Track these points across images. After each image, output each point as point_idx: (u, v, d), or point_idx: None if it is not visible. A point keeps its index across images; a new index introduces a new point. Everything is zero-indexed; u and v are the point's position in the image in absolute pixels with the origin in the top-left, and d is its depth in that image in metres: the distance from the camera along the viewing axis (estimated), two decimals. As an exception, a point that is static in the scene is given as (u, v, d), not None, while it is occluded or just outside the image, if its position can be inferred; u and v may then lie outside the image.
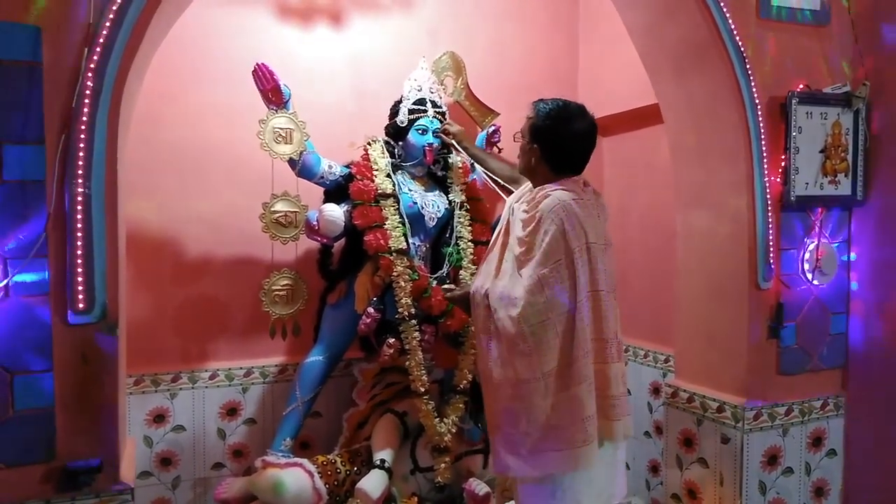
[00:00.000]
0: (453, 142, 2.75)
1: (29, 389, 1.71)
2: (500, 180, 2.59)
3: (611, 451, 1.89)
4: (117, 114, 1.78)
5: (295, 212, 2.56)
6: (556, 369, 1.80)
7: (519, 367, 1.81)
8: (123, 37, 1.76)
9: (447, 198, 2.82)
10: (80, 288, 1.72)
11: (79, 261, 1.72)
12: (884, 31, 2.54)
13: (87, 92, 1.72)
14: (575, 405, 1.79)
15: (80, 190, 1.72)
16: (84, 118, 1.72)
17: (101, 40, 1.73)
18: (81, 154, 1.72)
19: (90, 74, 1.73)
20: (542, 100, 2.00)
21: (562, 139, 1.94)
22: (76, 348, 1.75)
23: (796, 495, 2.56)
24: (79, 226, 1.72)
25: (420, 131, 2.74)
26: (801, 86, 2.50)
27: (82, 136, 1.72)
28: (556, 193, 1.87)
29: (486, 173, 2.68)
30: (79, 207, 1.72)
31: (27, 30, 1.68)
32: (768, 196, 2.44)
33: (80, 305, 1.73)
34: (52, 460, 1.74)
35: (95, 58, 1.73)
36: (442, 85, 2.93)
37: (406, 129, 2.75)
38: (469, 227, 2.80)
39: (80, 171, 1.72)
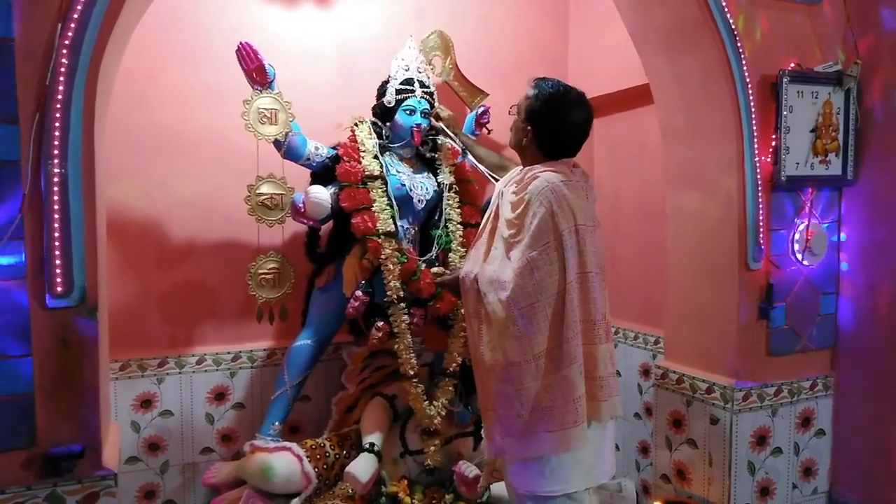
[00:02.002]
0: (443, 126, 2.71)
1: (7, 374, 1.67)
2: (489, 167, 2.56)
3: (599, 430, 1.89)
4: (94, 92, 1.74)
5: (281, 194, 2.52)
6: (547, 351, 1.79)
7: (509, 349, 1.80)
8: (99, 11, 1.70)
9: (436, 180, 2.79)
10: (57, 271, 1.68)
11: (56, 243, 1.68)
12: (876, 9, 2.51)
13: (62, 69, 1.67)
14: (566, 386, 1.78)
15: (56, 170, 1.67)
16: (59, 96, 1.67)
17: (76, 15, 1.68)
18: (57, 134, 1.67)
19: (64, 51, 1.67)
20: (544, 79, 1.96)
21: (557, 127, 1.92)
22: (55, 332, 1.71)
23: (785, 475, 2.58)
24: (56, 207, 1.68)
25: (408, 112, 2.69)
26: (793, 64, 2.47)
27: (57, 114, 1.67)
28: (544, 175, 1.85)
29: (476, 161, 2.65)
30: (55, 188, 1.67)
31: (-2, 4, 1.63)
32: (758, 176, 2.42)
33: (59, 289, 1.69)
34: (33, 446, 1.71)
35: (70, 33, 1.67)
36: (430, 65, 2.88)
37: (393, 110, 2.70)
38: (458, 210, 2.77)
39: (55, 151, 1.67)
